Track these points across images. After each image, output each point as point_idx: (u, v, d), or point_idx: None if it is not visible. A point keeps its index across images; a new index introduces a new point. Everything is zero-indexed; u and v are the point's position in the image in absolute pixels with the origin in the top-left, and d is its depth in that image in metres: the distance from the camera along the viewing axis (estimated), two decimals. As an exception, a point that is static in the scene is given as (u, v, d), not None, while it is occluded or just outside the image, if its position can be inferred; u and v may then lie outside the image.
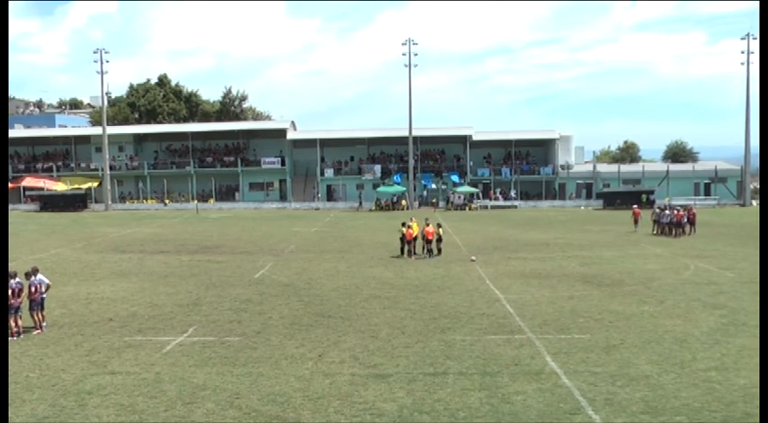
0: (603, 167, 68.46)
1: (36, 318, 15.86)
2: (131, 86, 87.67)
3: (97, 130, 67.75)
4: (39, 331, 15.74)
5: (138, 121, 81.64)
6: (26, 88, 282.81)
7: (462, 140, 64.80)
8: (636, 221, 38.13)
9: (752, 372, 12.16)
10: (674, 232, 34.94)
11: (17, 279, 15.57)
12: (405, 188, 61.23)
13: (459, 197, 59.91)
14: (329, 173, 65.28)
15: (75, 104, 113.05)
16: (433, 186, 62.72)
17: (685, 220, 35.65)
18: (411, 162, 62.02)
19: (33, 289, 15.84)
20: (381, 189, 61.23)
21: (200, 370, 12.86)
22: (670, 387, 11.68)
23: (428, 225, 28.77)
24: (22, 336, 15.25)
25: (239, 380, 12.24)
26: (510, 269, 24.82)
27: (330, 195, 64.97)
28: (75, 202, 61.59)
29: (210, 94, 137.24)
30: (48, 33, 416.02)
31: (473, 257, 27.20)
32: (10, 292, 15.16)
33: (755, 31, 56.34)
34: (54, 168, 66.61)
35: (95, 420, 10.47)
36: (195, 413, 10.69)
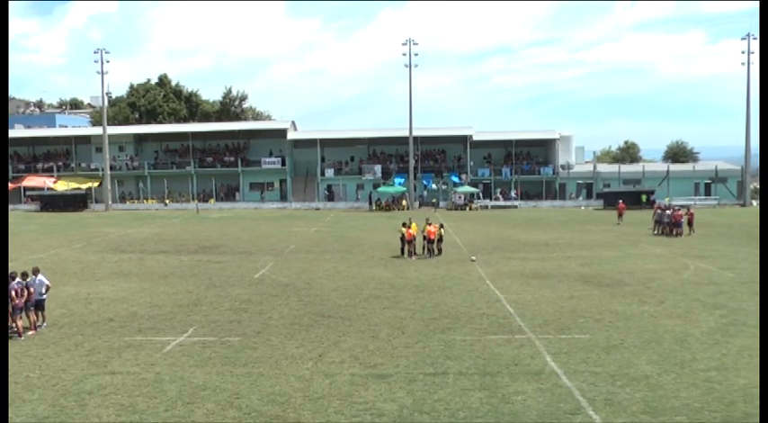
0: (604, 167, 68.34)
1: (31, 318, 15.86)
2: (131, 86, 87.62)
3: (97, 130, 67.70)
4: (33, 331, 15.74)
5: (139, 121, 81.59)
6: (26, 88, 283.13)
7: (463, 140, 64.74)
8: (620, 215, 43.00)
9: (752, 372, 12.16)
10: (673, 232, 35.08)
11: (18, 280, 15.60)
12: (405, 188, 61.23)
13: (460, 197, 59.92)
14: (329, 173, 65.28)
15: (75, 104, 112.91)
16: (434, 186, 62.66)
17: (683, 220, 35.78)
18: (411, 162, 61.97)
19: (32, 289, 15.84)
20: (382, 189, 61.21)
21: (200, 370, 12.87)
22: (670, 387, 11.68)
23: (430, 224, 28.80)
24: (22, 336, 15.27)
25: (239, 380, 12.24)
26: (510, 269, 24.82)
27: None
28: (75, 202, 61.50)
29: (210, 94, 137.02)
30: (47, 33, 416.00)
31: (473, 257, 27.20)
32: (13, 293, 15.17)
33: (755, 31, 56.31)
34: (54, 168, 66.51)
35: (95, 420, 10.47)
36: (195, 413, 10.70)
